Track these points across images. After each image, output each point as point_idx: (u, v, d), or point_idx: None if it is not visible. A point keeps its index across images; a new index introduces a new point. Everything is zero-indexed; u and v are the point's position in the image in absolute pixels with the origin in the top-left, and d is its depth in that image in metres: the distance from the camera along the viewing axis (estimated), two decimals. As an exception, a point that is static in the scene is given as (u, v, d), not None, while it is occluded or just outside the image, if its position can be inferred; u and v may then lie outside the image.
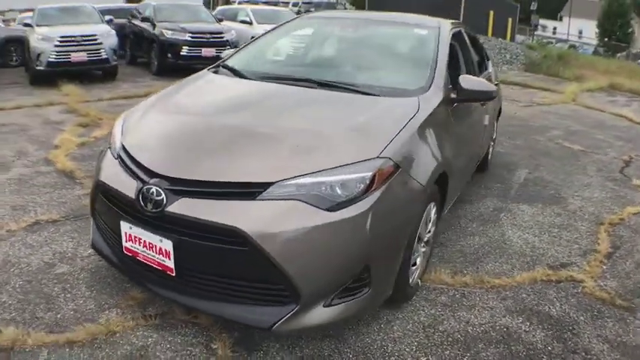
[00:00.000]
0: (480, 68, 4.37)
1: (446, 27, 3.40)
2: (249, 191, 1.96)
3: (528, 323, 2.55)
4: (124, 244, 2.22)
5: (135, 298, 2.56)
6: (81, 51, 8.78)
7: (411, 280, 2.51)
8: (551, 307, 2.71)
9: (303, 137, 2.23)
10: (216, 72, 3.21)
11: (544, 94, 10.07)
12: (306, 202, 1.91)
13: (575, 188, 4.70)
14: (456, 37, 3.72)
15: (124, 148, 2.40)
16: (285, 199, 1.93)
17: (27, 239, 3.20)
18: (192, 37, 10.01)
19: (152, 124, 2.58)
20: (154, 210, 2.02)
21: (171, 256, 2.03)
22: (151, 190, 2.04)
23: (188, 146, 2.25)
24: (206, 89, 3.02)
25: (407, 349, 2.29)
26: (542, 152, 5.88)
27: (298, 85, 2.82)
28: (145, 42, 10.89)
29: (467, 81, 2.86)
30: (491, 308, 2.66)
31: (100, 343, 2.22)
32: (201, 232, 1.94)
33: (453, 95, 2.90)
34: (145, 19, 11.01)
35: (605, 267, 3.21)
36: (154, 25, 10.56)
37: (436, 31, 3.28)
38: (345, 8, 28.53)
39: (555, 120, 7.67)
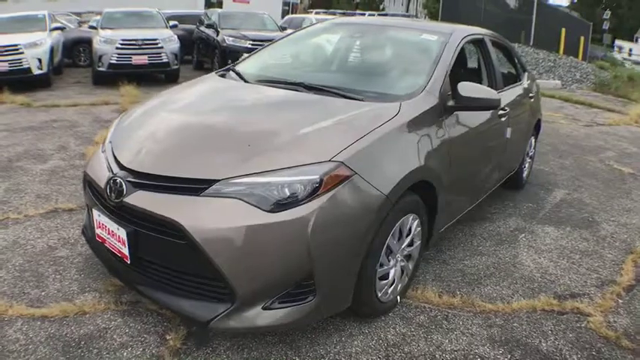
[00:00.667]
0: (508, 79, 4.11)
1: (458, 34, 3.21)
2: (194, 187, 1.97)
3: (509, 356, 2.31)
4: (96, 230, 2.31)
5: (115, 284, 2.62)
6: (142, 54, 9.09)
7: (380, 294, 2.37)
8: (542, 340, 2.45)
9: (264, 137, 2.19)
10: (223, 75, 3.23)
11: (607, 114, 9.34)
12: (247, 202, 1.89)
13: (613, 213, 4.28)
14: (475, 45, 3.50)
15: (110, 142, 2.50)
16: (227, 197, 1.91)
17: (40, 224, 3.38)
18: (252, 45, 10.10)
19: (138, 121, 2.65)
20: (115, 200, 2.11)
21: (126, 245, 2.09)
22: (116, 181, 2.12)
23: (157, 142, 2.32)
24: (199, 90, 3.05)
25: (361, 367, 2.15)
26: (589, 173, 5.42)
27: (289, 89, 2.77)
28: (209, 48, 11.23)
29: (465, 88, 2.67)
30: (472, 334, 2.45)
31: (68, 321, 2.34)
32: (150, 224, 1.99)
33: (450, 103, 2.73)
34: (209, 26, 11.36)
35: (621, 301, 2.87)
36: (217, 32, 10.86)
37: (445, 38, 3.11)
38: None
39: (612, 141, 7.08)
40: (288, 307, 1.96)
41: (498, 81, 3.67)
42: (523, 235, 3.72)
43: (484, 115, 3.18)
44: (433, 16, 31.13)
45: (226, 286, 1.90)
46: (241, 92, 2.89)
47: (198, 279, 1.99)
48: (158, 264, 2.09)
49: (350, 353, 2.22)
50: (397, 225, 2.32)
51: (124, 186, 2.08)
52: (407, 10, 33.34)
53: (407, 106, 2.51)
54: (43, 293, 2.56)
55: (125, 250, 2.11)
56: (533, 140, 4.76)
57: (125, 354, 2.12)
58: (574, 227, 3.92)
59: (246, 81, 3.03)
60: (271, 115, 2.51)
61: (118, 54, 8.97)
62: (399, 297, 2.57)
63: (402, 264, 2.53)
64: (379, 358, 2.21)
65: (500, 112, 3.48)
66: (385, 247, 2.27)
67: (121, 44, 8.99)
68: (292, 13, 35.88)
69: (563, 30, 15.72)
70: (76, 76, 10.53)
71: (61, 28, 10.42)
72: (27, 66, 8.18)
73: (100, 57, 8.98)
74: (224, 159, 2.07)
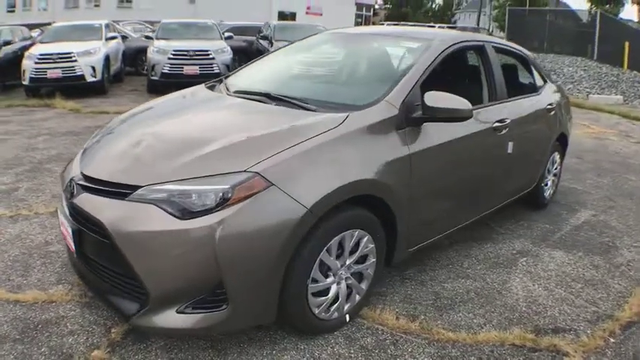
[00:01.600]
0: (519, 90, 3.80)
1: (441, 42, 2.98)
2: (122, 192, 2.03)
3: (451, 392, 2.08)
4: (60, 228, 2.47)
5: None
6: (193, 64, 9.36)
7: (318, 311, 2.25)
8: (499, 378, 2.19)
9: (197, 146, 2.16)
10: (212, 86, 3.22)
11: (667, 132, 8.42)
12: (163, 208, 1.91)
13: (638, 238, 3.80)
14: (473, 53, 3.29)
15: (84, 147, 2.68)
16: (148, 203, 1.95)
17: (45, 222, 3.56)
18: None
19: (110, 128, 2.78)
20: (68, 200, 2.26)
21: (72, 241, 2.22)
22: (71, 184, 2.28)
23: (106, 148, 2.44)
24: (171, 99, 3.09)
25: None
26: (625, 193, 4.89)
27: (254, 99, 2.74)
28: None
29: (432, 98, 2.46)
30: None
31: (36, 307, 2.52)
32: (88, 223, 2.09)
33: (417, 114, 2.52)
34: (264, 37, 11.56)
35: (612, 340, 2.51)
36: (271, 43, 10.98)
37: (425, 45, 2.91)
38: (490, 33, 27.20)
39: (665, 159, 6.35)
40: (201, 313, 1.95)
41: (500, 91, 3.39)
42: (525, 259, 3.39)
43: (469, 128, 2.93)
44: (503, 29, 30.12)
45: (142, 287, 1.94)
46: (208, 104, 2.90)
47: (124, 277, 2.04)
48: (96, 260, 2.17)
49: None
50: (334, 240, 2.19)
51: (75, 188, 2.21)
52: (477, 24, 32.30)
53: (354, 117, 2.37)
54: (24, 281, 2.76)
55: (72, 246, 2.24)
56: (557, 156, 4.35)
57: (70, 340, 2.27)
58: (587, 252, 3.52)
59: (224, 93, 3.01)
60: (217, 124, 2.51)
61: (170, 64, 9.28)
62: (347, 315, 2.43)
63: (350, 282, 2.38)
64: None
65: (496, 124, 3.20)
66: (318, 262, 2.16)
67: (173, 54, 9.32)
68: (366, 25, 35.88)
69: (627, 44, 14.50)
70: (134, 84, 11.08)
71: (123, 37, 10.94)
72: (80, 73, 8.69)
73: (154, 66, 9.38)
74: (154, 166, 2.11)
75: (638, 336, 2.56)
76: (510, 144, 3.38)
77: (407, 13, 65.98)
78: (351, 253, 2.35)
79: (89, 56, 8.88)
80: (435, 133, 2.67)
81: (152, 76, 9.43)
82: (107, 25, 10.62)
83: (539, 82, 4.10)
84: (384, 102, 2.50)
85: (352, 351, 2.28)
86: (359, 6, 37.88)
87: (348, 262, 2.34)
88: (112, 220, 1.95)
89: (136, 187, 2.00)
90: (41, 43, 9.47)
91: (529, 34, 18.74)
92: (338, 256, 2.28)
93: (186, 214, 1.89)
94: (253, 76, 3.34)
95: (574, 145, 6.78)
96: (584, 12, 20.39)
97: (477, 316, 2.67)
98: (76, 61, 8.66)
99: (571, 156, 6.17)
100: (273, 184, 1.96)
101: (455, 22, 51.34)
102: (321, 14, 32.13)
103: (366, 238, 2.37)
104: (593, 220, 4.16)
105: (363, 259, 2.44)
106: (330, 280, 2.28)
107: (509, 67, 3.88)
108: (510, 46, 3.98)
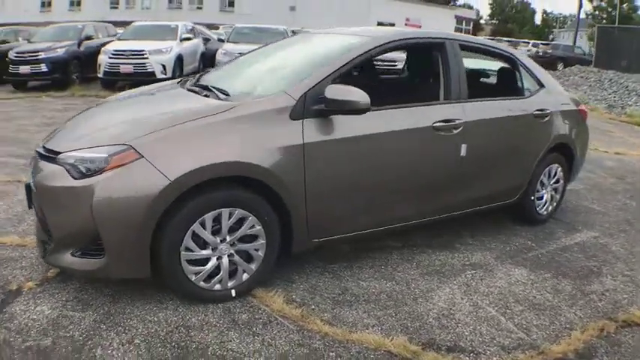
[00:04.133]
0: (495, 91, 3.44)
1: (372, 37, 2.86)
2: (52, 157, 2.29)
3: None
4: None
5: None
6: None
7: (195, 279, 2.31)
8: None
9: (111, 125, 2.48)
10: (182, 82, 3.27)
11: None
12: (67, 169, 2.19)
13: (636, 266, 3.15)
14: (434, 50, 3.12)
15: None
16: (60, 165, 2.22)
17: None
18: None
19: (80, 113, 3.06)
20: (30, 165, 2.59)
21: (26, 196, 2.52)
22: (36, 151, 2.51)
23: (67, 127, 2.72)
24: (143, 91, 3.33)
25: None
26: (651, 218, 4.09)
27: (193, 91, 2.85)
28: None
29: (332, 91, 2.41)
30: (270, 345, 2.12)
31: (9, 248, 2.89)
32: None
33: (318, 106, 2.44)
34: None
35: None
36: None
37: (359, 40, 2.84)
38: (584, 53, 24.87)
39: None
40: (87, 258, 2.22)
41: (456, 90, 3.00)
42: (474, 272, 2.95)
43: (391, 124, 2.69)
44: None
45: (49, 230, 2.25)
46: (158, 94, 3.16)
47: (44, 222, 2.33)
48: (36, 209, 2.44)
49: (146, 319, 2.25)
50: (209, 215, 2.24)
51: (37, 155, 2.45)
52: (574, 42, 29.69)
53: (245, 104, 2.43)
54: (12, 229, 3.14)
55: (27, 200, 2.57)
56: (556, 169, 3.74)
57: (17, 272, 2.61)
58: (557, 275, 2.98)
59: (184, 86, 3.08)
60: (141, 109, 2.79)
61: None
62: (233, 291, 2.41)
63: (234, 259, 2.38)
64: (160, 334, 2.16)
65: (439, 124, 2.85)
66: (190, 233, 2.22)
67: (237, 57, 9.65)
68: None
69: None
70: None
71: (206, 39, 11.44)
72: (151, 70, 9.21)
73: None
74: (75, 138, 2.41)
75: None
76: (464, 146, 2.97)
77: (512, 29, 62.67)
78: (233, 230, 2.33)
79: (160, 54, 9.34)
80: (345, 127, 2.51)
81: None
82: (188, 27, 11.25)
83: (530, 85, 3.56)
84: (283, 93, 2.47)
85: (221, 322, 2.26)
86: (459, 19, 36.70)
87: (228, 239, 2.33)
88: (39, 177, 2.30)
89: (58, 153, 2.27)
90: (119, 40, 10.26)
91: (618, 53, 16.89)
92: (217, 232, 2.29)
93: (78, 175, 2.15)
94: (217, 72, 3.46)
95: (621, 164, 5.87)
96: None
97: (371, 317, 2.38)
98: (147, 58, 9.17)
99: (612, 176, 5.36)
100: (143, 157, 2.12)
101: (552, 40, 48.02)
102: (420, 26, 31.20)
103: (250, 219, 2.32)
104: (590, 242, 3.53)
105: (250, 239, 2.38)
106: (206, 252, 2.31)
107: (484, 67, 3.48)
108: (493, 47, 3.52)
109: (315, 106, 2.44)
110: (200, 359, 2.01)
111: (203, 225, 2.24)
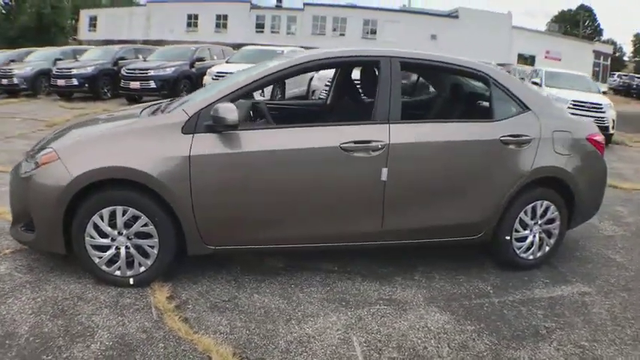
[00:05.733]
0: (456, 113, 3.17)
1: (288, 58, 2.96)
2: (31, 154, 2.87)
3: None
4: None
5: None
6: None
7: (98, 262, 2.64)
8: None
9: (68, 134, 2.94)
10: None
11: None
12: (31, 162, 2.70)
13: (602, 337, 2.54)
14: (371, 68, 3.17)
15: None
16: (36, 159, 2.70)
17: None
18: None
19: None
20: None
21: None
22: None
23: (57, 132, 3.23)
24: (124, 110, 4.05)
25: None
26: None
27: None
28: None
29: (217, 109, 2.52)
30: (121, 325, 2.39)
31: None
32: None
33: (208, 122, 2.59)
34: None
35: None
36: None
37: (278, 62, 2.93)
38: None
39: None
40: (27, 232, 2.70)
41: (392, 111, 2.77)
42: (384, 307, 2.70)
43: (285, 143, 2.68)
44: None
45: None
46: (121, 114, 3.47)
47: None
48: None
49: (58, 287, 2.67)
50: (106, 210, 2.57)
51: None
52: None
53: (144, 118, 2.81)
54: None
55: None
56: (547, 208, 3.12)
57: None
58: (484, 330, 2.55)
59: None
60: (99, 124, 3.15)
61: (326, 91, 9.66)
62: (132, 279, 2.68)
63: (131, 251, 2.64)
64: (58, 299, 2.55)
65: (348, 144, 2.69)
66: (91, 223, 2.57)
67: (329, 82, 9.63)
68: (603, 74, 33.13)
69: None
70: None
71: None
72: None
73: (313, 92, 9.86)
74: (50, 142, 2.86)
75: None
76: (384, 170, 2.71)
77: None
78: (128, 226, 2.61)
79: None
80: (243, 143, 2.62)
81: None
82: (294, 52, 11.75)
83: (505, 108, 3.02)
84: (180, 109, 2.69)
85: (107, 301, 2.58)
86: (597, 54, 34.64)
87: (125, 233, 2.62)
88: (24, 165, 2.82)
89: (42, 148, 2.79)
90: (227, 62, 10.98)
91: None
92: (114, 225, 2.60)
93: (31, 169, 2.66)
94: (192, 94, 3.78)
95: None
96: None
97: (229, 325, 2.44)
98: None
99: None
100: (60, 158, 2.56)
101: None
102: (560, 59, 30.34)
103: (142, 218, 2.58)
104: (570, 300, 2.90)
105: (144, 236, 2.62)
106: (105, 241, 2.62)
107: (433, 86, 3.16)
108: (458, 64, 3.06)
109: (206, 122, 2.58)
110: (67, 322, 2.36)
111: (102, 217, 2.58)
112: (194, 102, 2.71)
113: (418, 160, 2.82)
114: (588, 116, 8.62)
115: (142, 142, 2.60)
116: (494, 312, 2.71)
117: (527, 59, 31.59)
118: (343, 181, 2.75)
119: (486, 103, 3.16)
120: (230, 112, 2.48)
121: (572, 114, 8.77)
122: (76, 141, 2.74)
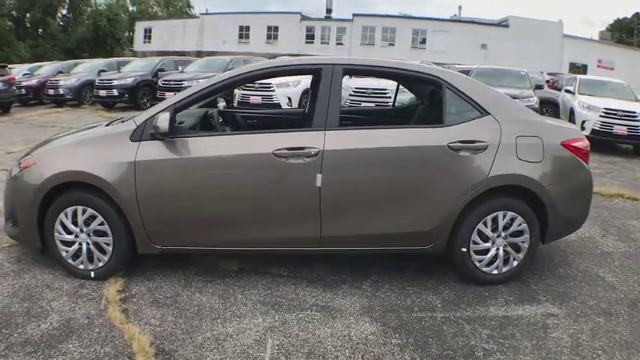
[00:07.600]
0: (401, 118, 2.96)
1: (231, 70, 3.04)
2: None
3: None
4: None
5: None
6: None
7: (65, 255, 2.88)
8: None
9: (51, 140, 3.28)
10: None
11: None
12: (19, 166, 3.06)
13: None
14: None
15: None
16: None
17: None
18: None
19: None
20: None
21: None
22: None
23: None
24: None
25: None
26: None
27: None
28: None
29: (156, 118, 2.69)
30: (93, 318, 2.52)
31: None
32: None
33: (152, 131, 2.73)
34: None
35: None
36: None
37: (227, 73, 3.03)
38: None
39: None
40: (14, 227, 3.00)
41: (329, 117, 2.72)
42: (313, 313, 2.63)
43: (218, 149, 2.75)
44: None
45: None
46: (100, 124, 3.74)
47: None
48: None
49: (35, 276, 2.94)
50: (70, 209, 2.81)
51: None
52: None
53: (102, 128, 3.06)
54: None
55: None
56: (511, 220, 2.83)
57: None
58: (409, 345, 2.38)
59: None
60: (79, 132, 3.31)
61: (351, 100, 8.49)
62: (92, 273, 2.89)
63: (90, 247, 2.86)
64: (30, 286, 2.81)
65: (281, 151, 2.68)
66: (59, 221, 2.83)
67: (354, 91, 8.58)
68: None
69: None
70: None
71: None
72: (277, 101, 9.13)
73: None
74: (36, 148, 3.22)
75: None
76: (319, 176, 2.65)
77: None
78: (87, 224, 2.85)
79: (287, 88, 9.29)
80: (186, 149, 2.73)
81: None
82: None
83: (460, 112, 2.79)
84: (130, 119, 2.90)
85: (68, 289, 2.80)
86: None
87: (85, 230, 2.85)
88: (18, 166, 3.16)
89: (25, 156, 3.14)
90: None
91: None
92: (75, 224, 2.85)
93: (18, 171, 2.98)
94: None
95: None
96: None
97: (160, 319, 2.55)
98: (274, 91, 9.23)
99: None
100: (35, 163, 2.90)
101: None
102: (612, 69, 28.29)
103: (98, 217, 2.81)
104: (528, 321, 2.60)
105: (101, 234, 2.84)
106: (69, 237, 2.87)
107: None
108: (409, 69, 2.89)
109: (150, 130, 2.75)
110: (31, 305, 2.62)
111: (66, 215, 2.83)
112: (146, 112, 2.88)
113: (354, 166, 2.72)
114: (621, 124, 7.95)
115: (96, 149, 2.83)
116: (432, 327, 2.51)
117: (579, 68, 29.72)
118: (280, 186, 2.74)
119: (430, 108, 2.96)
120: (162, 121, 2.63)
121: (604, 122, 8.09)
122: (49, 148, 3.06)
